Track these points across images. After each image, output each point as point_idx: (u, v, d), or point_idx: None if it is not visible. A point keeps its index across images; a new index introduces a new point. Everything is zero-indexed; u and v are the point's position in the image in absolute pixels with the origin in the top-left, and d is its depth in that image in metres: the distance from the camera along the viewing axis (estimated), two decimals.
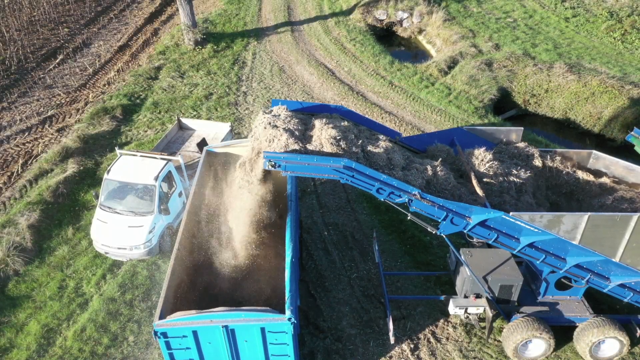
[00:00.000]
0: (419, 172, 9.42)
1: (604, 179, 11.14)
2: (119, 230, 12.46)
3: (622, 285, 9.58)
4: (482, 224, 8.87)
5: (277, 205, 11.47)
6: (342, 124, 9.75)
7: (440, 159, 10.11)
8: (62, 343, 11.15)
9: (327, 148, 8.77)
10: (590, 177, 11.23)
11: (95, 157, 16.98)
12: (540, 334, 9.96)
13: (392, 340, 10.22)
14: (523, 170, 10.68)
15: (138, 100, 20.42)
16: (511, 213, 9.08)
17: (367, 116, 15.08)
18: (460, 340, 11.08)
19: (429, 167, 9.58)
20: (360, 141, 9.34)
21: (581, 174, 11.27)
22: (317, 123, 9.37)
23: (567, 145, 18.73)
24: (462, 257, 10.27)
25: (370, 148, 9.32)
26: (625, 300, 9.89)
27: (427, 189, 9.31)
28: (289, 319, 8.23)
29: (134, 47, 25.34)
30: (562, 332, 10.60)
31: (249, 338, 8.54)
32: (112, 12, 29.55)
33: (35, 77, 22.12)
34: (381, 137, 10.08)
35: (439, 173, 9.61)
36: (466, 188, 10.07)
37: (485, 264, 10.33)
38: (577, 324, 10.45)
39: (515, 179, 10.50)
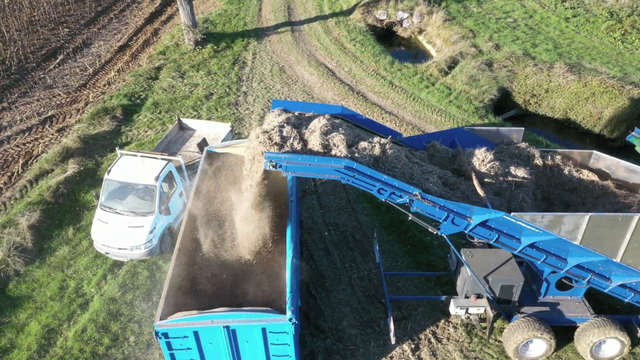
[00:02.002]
0: (367, 149, 9.22)
1: (606, 182, 11.11)
2: (120, 231, 12.45)
3: (623, 286, 9.58)
4: (483, 224, 8.87)
5: (277, 206, 11.45)
6: (281, 117, 9.69)
7: (389, 137, 9.95)
8: (62, 343, 11.15)
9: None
10: (592, 178, 11.22)
11: (96, 158, 16.97)
12: (541, 334, 9.96)
13: (392, 340, 10.23)
14: (522, 168, 10.67)
15: (138, 101, 20.42)
16: (512, 213, 9.08)
17: (367, 116, 15.08)
18: (461, 340, 11.08)
19: (377, 145, 9.37)
20: (297, 132, 9.19)
21: (582, 174, 11.26)
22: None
23: (568, 146, 18.73)
24: (463, 257, 10.27)
25: (307, 135, 9.19)
26: (626, 300, 9.88)
27: (376, 167, 9.11)
28: (290, 320, 8.23)
29: (134, 47, 25.33)
30: (563, 332, 10.61)
31: (250, 338, 8.54)
32: (112, 12, 29.54)
33: (35, 77, 22.11)
34: (325, 116, 9.77)
35: (388, 151, 9.40)
36: (419, 167, 9.86)
37: (486, 264, 10.34)
38: (578, 324, 10.46)
39: (515, 179, 10.50)
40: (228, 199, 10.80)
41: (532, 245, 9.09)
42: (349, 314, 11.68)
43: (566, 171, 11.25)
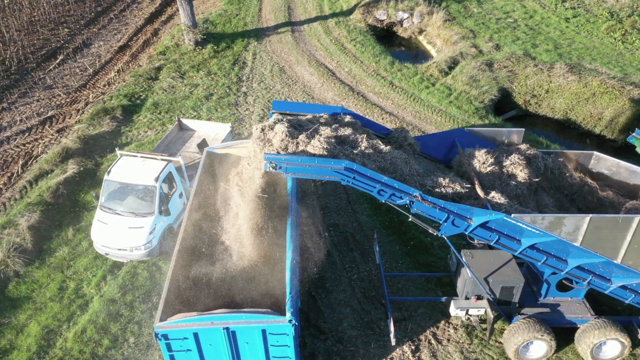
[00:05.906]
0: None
1: (605, 194, 11.05)
2: (120, 232, 12.44)
3: (624, 287, 9.57)
4: (484, 225, 8.86)
5: (277, 206, 11.45)
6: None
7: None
8: (62, 344, 11.13)
9: None
10: (592, 181, 11.18)
11: (96, 158, 16.96)
12: (542, 335, 9.95)
13: (393, 341, 10.21)
14: (522, 169, 10.64)
15: (138, 101, 20.41)
16: (513, 215, 9.06)
17: (367, 117, 15.07)
18: (461, 341, 11.06)
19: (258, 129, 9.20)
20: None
21: (583, 178, 11.22)
22: None
23: (568, 146, 18.71)
24: (463, 258, 10.25)
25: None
26: (627, 301, 9.88)
27: (284, 151, 8.95)
28: (290, 321, 8.22)
29: (134, 47, 25.31)
30: (564, 334, 10.60)
31: (249, 340, 8.53)
32: (112, 13, 29.51)
33: (35, 78, 22.09)
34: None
35: (278, 128, 9.08)
36: (313, 128, 9.55)
37: (487, 266, 10.32)
38: (579, 326, 10.45)
39: (515, 181, 10.48)
40: (228, 200, 10.78)
41: (532, 247, 9.08)
42: (349, 315, 11.67)
43: (567, 174, 11.21)
